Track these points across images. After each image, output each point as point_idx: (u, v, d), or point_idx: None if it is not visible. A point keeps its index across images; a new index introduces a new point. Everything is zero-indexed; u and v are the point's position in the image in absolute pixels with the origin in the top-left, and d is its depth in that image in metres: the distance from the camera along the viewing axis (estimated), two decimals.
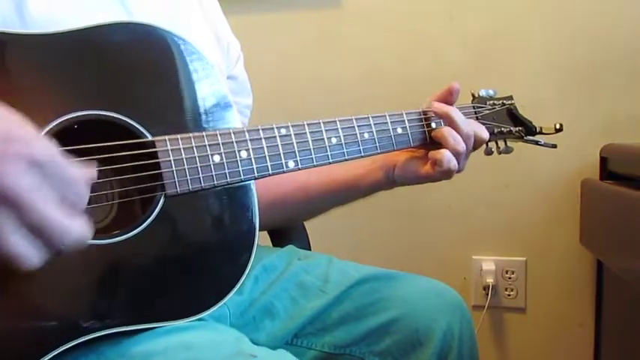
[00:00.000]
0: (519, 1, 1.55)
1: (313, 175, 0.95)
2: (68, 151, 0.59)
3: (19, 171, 0.47)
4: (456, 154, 0.85)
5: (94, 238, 0.61)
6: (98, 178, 0.64)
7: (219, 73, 0.74)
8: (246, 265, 0.72)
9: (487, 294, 1.61)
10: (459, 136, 0.86)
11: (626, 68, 1.49)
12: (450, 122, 0.86)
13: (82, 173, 0.52)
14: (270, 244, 1.09)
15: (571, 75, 1.53)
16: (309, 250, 1.12)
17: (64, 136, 0.60)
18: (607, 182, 1.35)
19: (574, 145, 1.44)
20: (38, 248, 0.49)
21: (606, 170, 1.41)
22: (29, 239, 0.49)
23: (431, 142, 0.88)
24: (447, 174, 0.86)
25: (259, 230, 0.75)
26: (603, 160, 1.42)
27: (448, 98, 0.90)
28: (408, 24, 1.61)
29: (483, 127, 0.92)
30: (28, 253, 0.49)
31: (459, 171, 0.87)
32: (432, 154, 0.86)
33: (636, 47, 1.48)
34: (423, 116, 0.88)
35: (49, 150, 0.50)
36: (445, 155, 0.84)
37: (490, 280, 1.61)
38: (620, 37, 1.49)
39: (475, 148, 0.90)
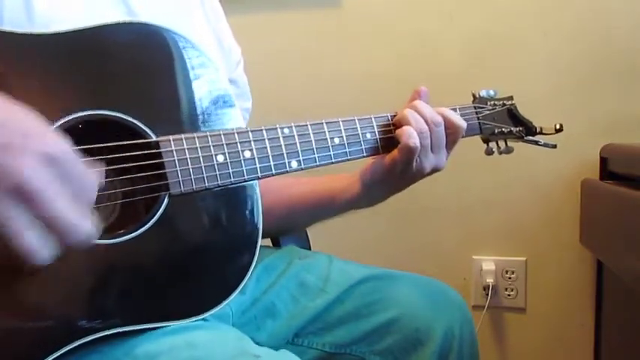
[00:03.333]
0: (519, 1, 1.55)
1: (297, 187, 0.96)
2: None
3: (36, 166, 0.48)
4: (420, 134, 0.82)
5: (98, 238, 0.61)
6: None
7: (221, 72, 0.74)
8: (249, 266, 0.72)
9: (487, 294, 1.61)
10: (419, 117, 0.83)
11: (626, 68, 1.49)
12: (414, 109, 0.85)
13: (92, 172, 0.53)
14: (270, 244, 1.10)
15: (571, 75, 1.53)
16: (309, 249, 1.12)
17: (69, 136, 0.60)
18: (607, 182, 1.35)
19: (574, 145, 1.44)
20: (49, 243, 0.49)
21: (606, 170, 1.41)
22: (41, 234, 0.49)
23: None
24: (408, 153, 0.82)
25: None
26: (603, 160, 1.42)
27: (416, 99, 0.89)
28: (408, 24, 1.61)
29: (455, 113, 0.89)
30: (40, 248, 0.49)
31: (438, 169, 0.86)
32: (397, 131, 0.84)
33: (636, 47, 1.48)
34: None
35: (64, 146, 0.51)
36: (405, 129, 0.82)
37: (490, 280, 1.61)
38: (620, 37, 1.49)
39: (452, 134, 0.87)
